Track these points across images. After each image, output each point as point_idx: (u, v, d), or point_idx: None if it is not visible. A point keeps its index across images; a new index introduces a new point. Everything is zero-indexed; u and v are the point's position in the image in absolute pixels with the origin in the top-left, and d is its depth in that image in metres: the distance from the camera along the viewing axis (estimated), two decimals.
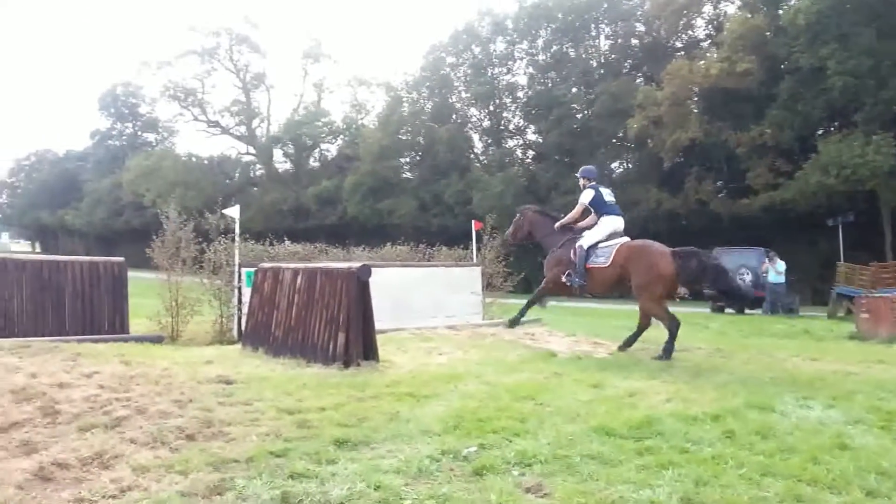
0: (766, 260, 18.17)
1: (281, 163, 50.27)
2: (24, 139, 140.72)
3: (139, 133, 62.33)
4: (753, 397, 5.21)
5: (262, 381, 5.63)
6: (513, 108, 37.44)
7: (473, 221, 12.86)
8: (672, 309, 7.93)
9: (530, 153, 37.70)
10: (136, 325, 9.95)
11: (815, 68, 23.51)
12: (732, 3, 29.87)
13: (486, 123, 38.20)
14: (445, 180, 35.34)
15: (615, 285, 8.19)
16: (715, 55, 26.85)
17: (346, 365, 6.33)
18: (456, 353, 7.80)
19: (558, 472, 3.45)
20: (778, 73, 25.89)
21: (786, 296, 18.18)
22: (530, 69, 36.13)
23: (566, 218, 8.80)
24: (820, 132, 25.98)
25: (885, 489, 3.33)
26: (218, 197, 26.40)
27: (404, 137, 39.09)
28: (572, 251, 8.26)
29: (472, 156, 38.39)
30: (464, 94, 37.90)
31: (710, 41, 30.11)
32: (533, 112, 34.96)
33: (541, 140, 35.72)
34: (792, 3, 25.53)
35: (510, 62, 36.62)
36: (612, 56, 33.94)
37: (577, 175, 9.02)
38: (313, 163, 48.69)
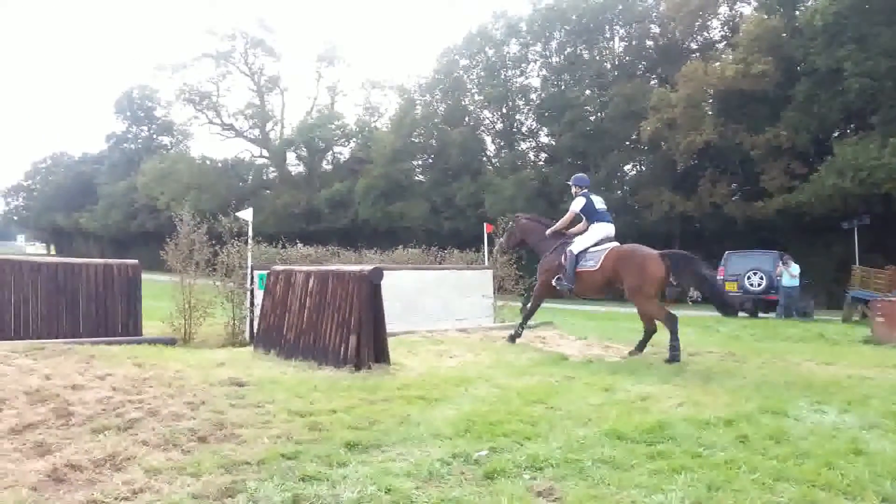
0: (781, 263, 18.02)
1: (294, 166, 50.49)
2: (40, 142, 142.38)
3: (154, 136, 62.79)
4: (767, 402, 5.17)
5: (274, 383, 5.65)
6: (526, 111, 37.34)
7: (485, 224, 12.87)
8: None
9: (543, 156, 37.60)
10: (150, 327, 10.01)
11: (832, 70, 23.29)
12: (748, 4, 29.69)
13: (499, 126, 38.14)
14: (457, 183, 35.32)
15: (603, 288, 8.42)
16: (730, 57, 26.64)
17: (358, 368, 6.35)
18: (467, 356, 7.81)
19: (570, 476, 3.44)
20: (794, 74, 25.67)
21: (800, 299, 18.02)
22: (544, 71, 36.04)
23: (557, 224, 9.03)
24: (836, 134, 25.72)
25: None
26: (231, 200, 26.53)
27: (417, 140, 39.10)
28: (563, 256, 8.48)
29: (484, 158, 38.34)
30: (477, 97, 37.85)
31: (725, 42, 29.87)
32: (546, 114, 34.84)
33: (553, 142, 35.61)
34: (809, 3, 25.32)
35: (524, 64, 36.53)
36: (627, 58, 33.77)
37: (569, 182, 9.18)
38: (326, 166, 48.81)
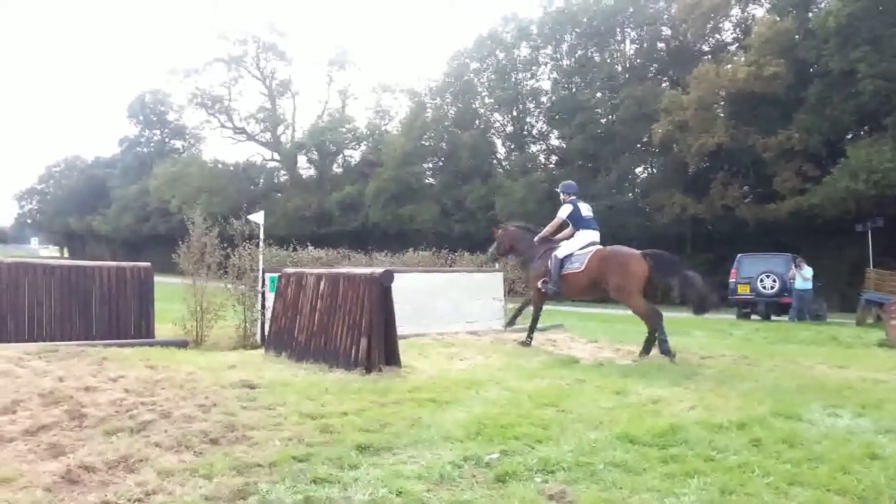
0: (793, 266, 17.91)
1: (305, 169, 50.64)
2: (54, 146, 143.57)
3: (167, 140, 63.18)
4: (780, 405, 5.13)
5: (285, 385, 5.66)
6: (536, 114, 37.30)
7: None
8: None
9: (553, 158, 37.54)
10: (162, 329, 10.05)
11: (845, 72, 23.14)
12: (761, 6, 29.54)
13: (510, 129, 38.12)
14: (468, 186, 35.33)
15: (589, 289, 8.60)
16: (742, 59, 26.52)
17: (368, 370, 6.36)
18: (477, 358, 7.80)
19: (581, 480, 3.43)
20: (806, 76, 25.53)
21: (813, 302, 17.89)
22: (554, 74, 35.99)
23: (544, 231, 9.27)
24: (849, 136, 25.54)
25: None
26: (243, 203, 26.65)
27: (427, 143, 39.15)
28: (549, 261, 8.72)
29: (494, 161, 38.33)
30: (487, 100, 37.86)
31: (737, 45, 29.72)
32: (556, 117, 34.80)
33: (564, 145, 35.55)
34: (822, 5, 25.18)
35: (534, 67, 36.50)
36: (638, 60, 33.68)
37: (558, 189, 9.36)
38: (336, 169, 48.92)
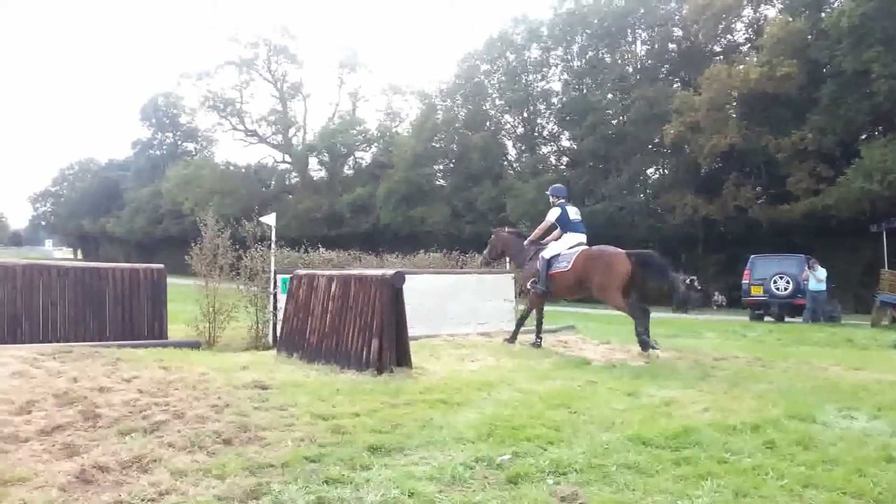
0: (807, 267, 17.76)
1: (316, 171, 50.84)
2: (67, 149, 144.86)
3: (179, 142, 63.60)
4: (794, 407, 5.09)
5: (297, 386, 5.68)
6: (547, 115, 37.25)
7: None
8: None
9: (564, 159, 37.48)
10: (175, 330, 10.11)
11: (859, 72, 22.96)
12: (773, 6, 29.35)
13: (520, 130, 38.09)
14: (478, 187, 35.32)
15: (575, 288, 8.85)
16: (755, 59, 26.37)
17: (380, 371, 6.36)
18: (489, 360, 7.79)
19: (594, 482, 3.42)
20: (819, 77, 25.35)
21: (827, 304, 17.72)
22: (565, 75, 35.95)
23: (534, 234, 9.65)
24: (863, 137, 25.33)
25: None
26: (254, 205, 26.77)
27: (438, 145, 39.19)
28: (538, 262, 9.03)
29: (505, 163, 38.31)
30: (497, 101, 37.86)
31: (749, 45, 29.58)
32: (567, 118, 34.74)
33: (575, 146, 35.49)
34: (835, 5, 24.99)
35: (545, 69, 36.47)
36: (649, 61, 33.57)
37: (548, 193, 9.64)
38: (347, 170, 49.07)
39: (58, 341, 8.22)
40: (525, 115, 37.16)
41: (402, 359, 6.70)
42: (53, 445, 3.88)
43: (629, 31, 33.70)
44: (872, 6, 22.12)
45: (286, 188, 51.40)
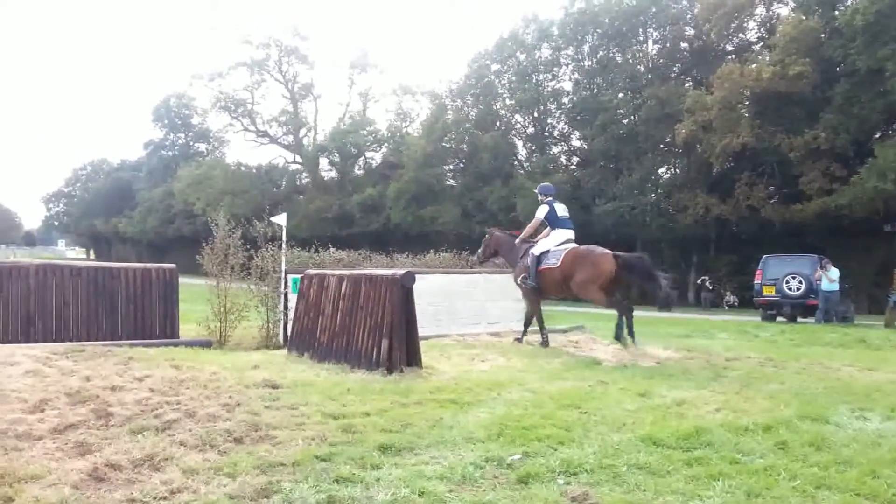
0: (819, 267, 17.63)
1: (326, 171, 51.00)
2: (80, 150, 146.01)
3: (191, 143, 63.98)
4: (806, 408, 5.06)
5: (308, 385, 5.69)
6: (557, 115, 37.19)
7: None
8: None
9: (575, 159, 37.41)
10: (186, 329, 10.16)
11: (873, 70, 22.79)
12: (785, 4, 29.16)
13: (531, 130, 38.03)
14: (489, 187, 35.30)
15: (562, 284, 8.99)
16: (767, 58, 26.24)
17: (390, 371, 6.37)
18: (499, 360, 7.78)
19: (605, 482, 3.40)
20: (833, 75, 25.17)
21: (840, 304, 17.58)
22: (576, 75, 35.87)
23: (524, 232, 9.83)
24: (877, 136, 25.14)
25: None
26: (265, 205, 26.85)
27: (448, 145, 39.19)
28: (528, 258, 9.24)
29: (515, 162, 38.26)
30: (508, 101, 37.81)
31: (762, 44, 29.42)
32: (578, 118, 34.66)
33: (586, 146, 35.40)
34: (849, 3, 24.80)
35: (555, 68, 36.40)
36: (661, 60, 33.43)
37: (536, 191, 9.82)
38: (358, 171, 49.18)
39: (70, 340, 8.28)
40: (535, 114, 37.10)
41: (412, 358, 6.71)
42: (66, 444, 3.90)
43: (640, 30, 33.58)
44: (887, 3, 21.95)
45: (297, 188, 51.58)
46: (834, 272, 17.07)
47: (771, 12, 29.86)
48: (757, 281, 19.29)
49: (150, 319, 9.39)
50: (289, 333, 8.98)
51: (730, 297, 27.41)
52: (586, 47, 34.99)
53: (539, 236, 9.51)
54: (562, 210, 9.39)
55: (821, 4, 25.87)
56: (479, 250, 10.64)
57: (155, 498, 3.12)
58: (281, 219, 10.83)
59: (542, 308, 9.62)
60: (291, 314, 8.98)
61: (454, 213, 36.40)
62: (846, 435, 4.39)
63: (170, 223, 57.41)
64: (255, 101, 53.77)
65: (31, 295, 8.66)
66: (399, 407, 4.96)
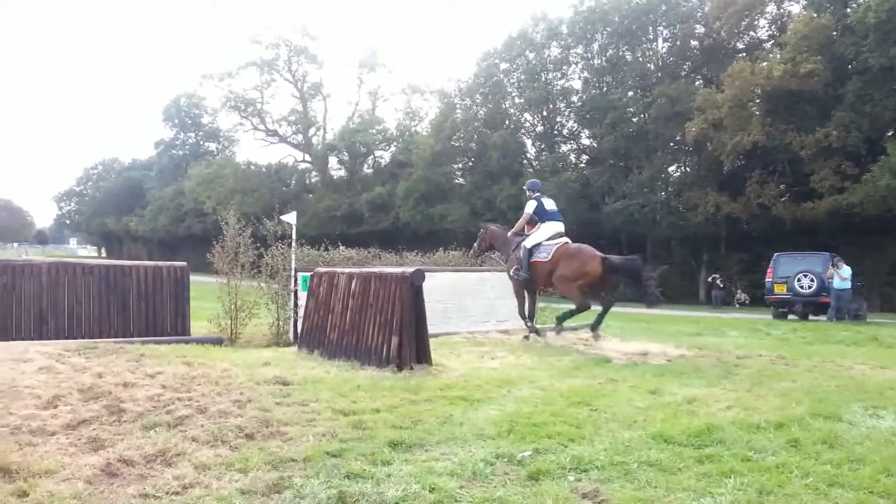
0: (831, 265, 17.53)
1: (336, 170, 51.09)
2: (91, 149, 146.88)
3: (201, 142, 64.26)
4: (818, 406, 5.03)
5: (318, 382, 5.71)
6: (567, 113, 37.08)
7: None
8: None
9: (584, 158, 37.30)
10: (197, 327, 10.21)
11: (886, 68, 22.62)
12: (797, 2, 28.98)
13: (540, 128, 37.95)
14: (498, 186, 35.24)
15: (550, 278, 9.25)
16: (778, 56, 26.06)
17: (400, 368, 6.38)
18: (509, 357, 7.78)
19: (615, 479, 3.40)
20: (845, 73, 25.00)
21: (852, 302, 17.48)
22: (585, 73, 35.76)
23: (515, 227, 10.13)
24: (889, 133, 24.94)
25: None
26: (275, 203, 26.90)
27: (457, 143, 39.16)
28: (521, 251, 9.52)
29: (524, 161, 38.18)
30: (517, 100, 37.72)
31: (773, 42, 29.23)
32: (587, 116, 34.55)
33: (595, 144, 35.30)
34: (861, 0, 24.62)
35: (565, 67, 36.29)
36: (671, 59, 33.29)
37: (524, 188, 10.25)
38: (367, 169, 49.27)
39: (83, 337, 8.34)
40: (545, 113, 37.02)
41: (421, 356, 6.72)
42: (79, 439, 3.93)
43: (650, 28, 33.45)
44: None
45: (306, 187, 51.73)
46: (846, 270, 16.98)
47: (782, 10, 29.71)
48: (768, 279, 19.20)
49: (162, 317, 9.44)
50: (299, 331, 9.01)
51: (741, 295, 27.28)
52: (596, 46, 34.88)
53: (532, 230, 9.76)
54: (550, 204, 9.75)
55: (832, 2, 25.69)
56: (475, 244, 10.96)
57: (167, 493, 3.14)
58: (291, 217, 10.87)
59: (536, 302, 10.01)
60: (301, 312, 9.01)
61: (463, 212, 36.36)
62: (859, 433, 4.36)
63: (180, 222, 57.70)
64: (264, 100, 54.01)
65: (44, 293, 8.73)
66: (409, 404, 4.96)
